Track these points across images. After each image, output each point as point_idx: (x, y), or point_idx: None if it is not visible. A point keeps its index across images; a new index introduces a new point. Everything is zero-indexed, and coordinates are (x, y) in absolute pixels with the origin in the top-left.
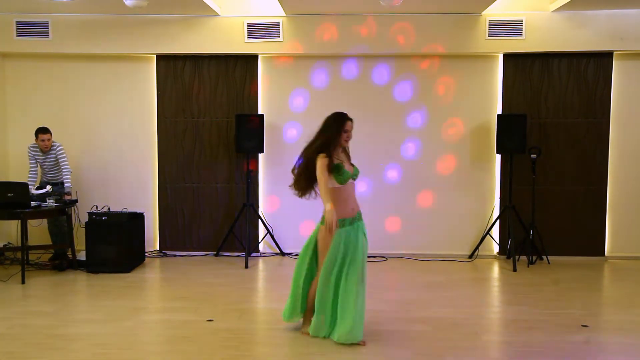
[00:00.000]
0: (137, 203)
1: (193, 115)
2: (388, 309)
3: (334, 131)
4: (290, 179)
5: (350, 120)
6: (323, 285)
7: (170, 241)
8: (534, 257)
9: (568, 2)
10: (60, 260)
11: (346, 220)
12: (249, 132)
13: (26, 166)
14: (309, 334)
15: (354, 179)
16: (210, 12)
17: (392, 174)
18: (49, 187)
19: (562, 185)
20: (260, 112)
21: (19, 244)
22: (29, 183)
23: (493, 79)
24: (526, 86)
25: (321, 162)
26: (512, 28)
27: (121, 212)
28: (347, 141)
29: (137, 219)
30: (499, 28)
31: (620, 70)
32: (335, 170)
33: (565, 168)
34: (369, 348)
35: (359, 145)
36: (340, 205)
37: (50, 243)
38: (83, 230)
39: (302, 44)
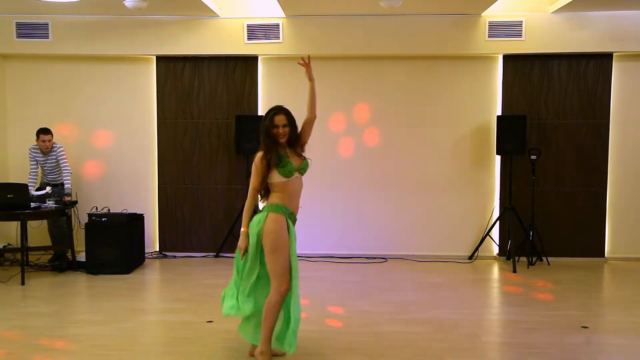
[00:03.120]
0: (137, 204)
1: (193, 116)
2: (388, 310)
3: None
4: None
5: (281, 113)
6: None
7: (170, 242)
8: (534, 258)
9: (568, 4)
10: (60, 262)
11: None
12: (248, 133)
13: (26, 167)
14: None
15: (302, 173)
16: (210, 14)
17: (392, 174)
18: (48, 189)
19: (562, 187)
20: (260, 113)
21: (19, 245)
22: (29, 184)
23: (493, 80)
24: (526, 87)
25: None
26: (511, 29)
27: (121, 213)
28: (283, 137)
29: (137, 220)
30: (498, 29)
31: (620, 72)
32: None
33: (565, 169)
34: (370, 349)
35: (358, 145)
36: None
37: (50, 244)
38: (83, 232)
39: (302, 45)
